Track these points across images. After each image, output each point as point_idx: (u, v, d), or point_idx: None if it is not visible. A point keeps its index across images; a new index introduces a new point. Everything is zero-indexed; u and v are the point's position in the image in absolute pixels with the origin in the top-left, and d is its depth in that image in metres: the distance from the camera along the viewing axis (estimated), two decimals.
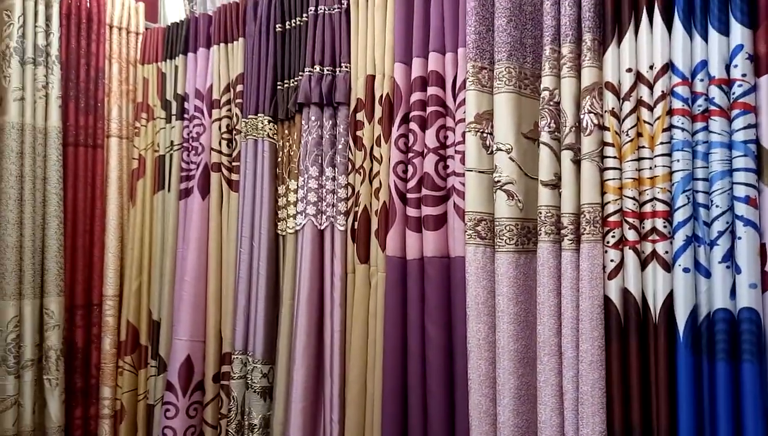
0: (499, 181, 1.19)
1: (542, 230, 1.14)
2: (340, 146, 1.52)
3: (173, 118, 1.95)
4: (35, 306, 1.83)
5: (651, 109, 1.05)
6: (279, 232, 1.65)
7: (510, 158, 1.19)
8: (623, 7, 1.09)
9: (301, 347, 1.49)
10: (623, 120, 1.07)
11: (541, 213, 1.15)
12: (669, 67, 1.03)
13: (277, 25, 1.69)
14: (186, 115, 1.91)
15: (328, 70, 1.55)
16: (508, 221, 1.19)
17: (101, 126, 2.03)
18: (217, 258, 1.76)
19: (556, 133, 1.15)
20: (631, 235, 1.05)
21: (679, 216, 0.99)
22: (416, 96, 1.36)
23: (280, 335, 1.57)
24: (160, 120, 1.99)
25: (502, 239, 1.19)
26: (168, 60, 2.00)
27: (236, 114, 1.79)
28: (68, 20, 1.97)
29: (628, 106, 1.07)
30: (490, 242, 1.22)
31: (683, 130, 1.01)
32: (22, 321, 1.81)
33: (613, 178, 1.08)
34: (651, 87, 1.05)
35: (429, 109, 1.34)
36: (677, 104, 1.02)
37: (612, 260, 1.07)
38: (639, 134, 1.06)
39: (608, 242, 1.08)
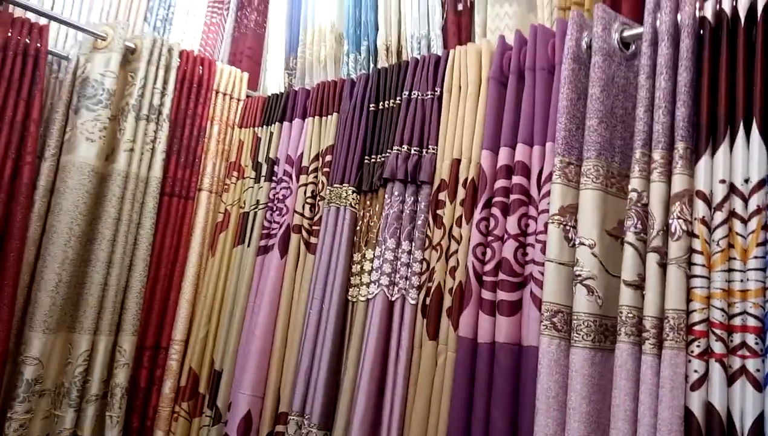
0: (579, 275, 1.20)
1: (622, 330, 1.13)
2: (419, 222, 1.57)
3: (262, 179, 2.09)
4: (109, 343, 1.92)
5: (745, 222, 1.05)
6: (350, 298, 1.69)
7: (593, 254, 1.20)
8: (719, 120, 1.11)
9: (360, 417, 1.49)
10: (714, 229, 1.08)
11: (621, 313, 1.14)
12: (765, 182, 1.04)
13: (370, 105, 1.82)
14: (274, 178, 2.05)
15: (415, 150, 1.64)
16: (586, 316, 1.18)
17: (195, 180, 2.19)
18: (286, 316, 1.82)
19: (642, 235, 1.16)
20: (717, 347, 1.03)
21: None
22: (501, 183, 1.42)
23: (339, 402, 1.58)
24: (250, 179, 2.14)
25: (579, 334, 1.18)
26: (264, 126, 2.17)
27: (322, 181, 1.90)
28: (182, 84, 2.19)
29: (719, 216, 1.07)
30: (566, 335, 1.22)
31: None
32: (94, 356, 1.89)
33: (701, 287, 1.07)
34: (745, 200, 1.05)
35: (512, 196, 1.38)
36: None
37: (696, 371, 1.04)
38: (730, 245, 1.06)
39: (692, 352, 1.05)
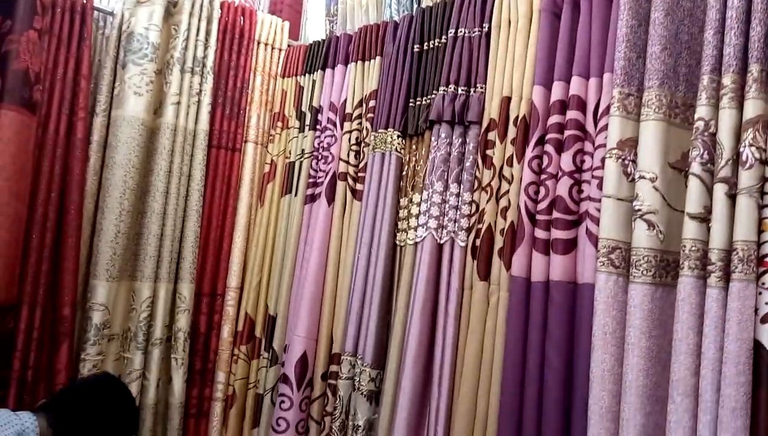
0: (639, 210, 1.16)
1: (685, 264, 1.09)
2: (467, 164, 1.55)
3: (306, 128, 2.09)
4: (169, 290, 2.01)
5: None
6: (398, 242, 1.70)
7: (654, 187, 1.16)
8: None
9: (412, 357, 1.52)
10: None
11: (685, 246, 1.10)
12: None
13: (415, 46, 1.77)
14: (318, 127, 2.04)
15: (462, 90, 1.60)
16: (646, 251, 1.15)
17: (241, 132, 2.21)
18: (336, 262, 1.85)
19: (709, 166, 1.10)
20: None
21: None
22: (554, 119, 1.37)
23: (391, 343, 1.61)
24: (294, 129, 2.14)
25: (639, 270, 1.15)
26: (307, 74, 2.15)
27: (366, 128, 1.88)
28: (224, 35, 2.18)
29: None
30: (624, 271, 1.19)
31: None
32: (156, 302, 1.98)
33: None
34: None
35: (567, 132, 1.33)
36: None
37: (767, 303, 1.00)
38: None
39: (763, 284, 1.01)
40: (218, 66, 2.17)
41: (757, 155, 1.04)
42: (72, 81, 1.92)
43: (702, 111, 1.12)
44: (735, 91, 1.08)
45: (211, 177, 2.13)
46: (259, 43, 2.27)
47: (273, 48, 2.31)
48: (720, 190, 1.06)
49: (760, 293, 1.01)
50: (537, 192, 1.37)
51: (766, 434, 0.97)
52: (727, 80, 1.08)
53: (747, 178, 1.04)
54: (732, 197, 1.06)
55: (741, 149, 1.05)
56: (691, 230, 1.10)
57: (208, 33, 2.12)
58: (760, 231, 1.03)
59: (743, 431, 0.98)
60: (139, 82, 1.98)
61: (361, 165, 1.88)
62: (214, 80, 2.14)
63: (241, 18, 2.22)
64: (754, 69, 1.05)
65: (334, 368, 1.74)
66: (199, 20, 2.09)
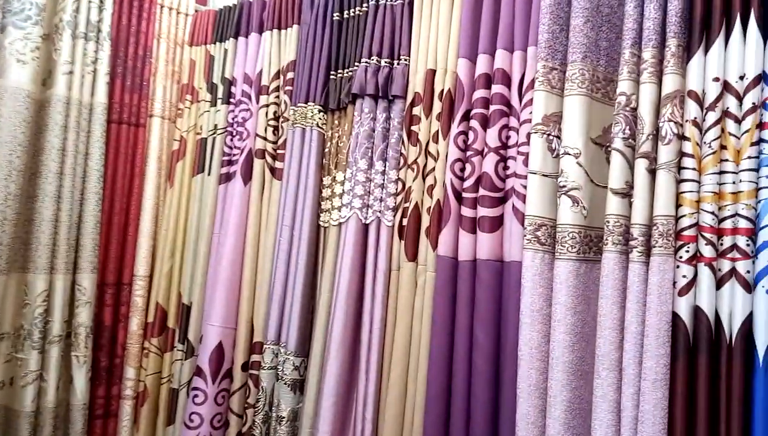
0: (564, 187, 1.15)
1: (609, 239, 1.10)
2: (392, 140, 1.49)
3: (219, 101, 1.93)
4: (67, 281, 1.81)
5: (739, 121, 1.00)
6: (321, 223, 1.62)
7: (578, 163, 1.15)
8: (714, 13, 1.04)
9: (337, 341, 1.46)
10: (706, 131, 1.03)
11: (608, 222, 1.10)
12: (762, 78, 0.99)
13: (334, 14, 1.67)
14: (232, 100, 1.89)
15: (385, 62, 1.52)
16: (571, 227, 1.15)
17: (145, 105, 2.01)
18: (254, 245, 1.74)
19: (630, 141, 1.11)
20: (707, 251, 1.01)
21: (765, 235, 0.95)
22: (479, 93, 1.33)
23: (315, 328, 1.54)
24: (205, 103, 1.98)
25: (564, 247, 1.14)
26: (218, 43, 1.99)
27: (285, 101, 1.77)
28: None
29: (712, 116, 1.02)
30: (550, 248, 1.18)
31: None
32: (52, 296, 1.78)
33: (691, 191, 1.03)
34: (740, 98, 1.00)
35: (492, 107, 1.30)
36: None
37: (684, 276, 1.02)
38: (723, 147, 1.02)
39: (681, 257, 1.03)
40: (116, 31, 1.95)
41: (675, 130, 1.05)
42: None
43: (623, 85, 1.12)
44: (654, 66, 1.08)
45: (112, 155, 1.93)
46: (162, 6, 2.07)
47: (179, 12, 2.11)
48: (641, 165, 1.07)
49: (678, 266, 1.03)
50: (463, 169, 1.33)
51: (683, 403, 1.00)
52: (647, 54, 1.08)
53: (666, 153, 1.05)
54: (652, 172, 1.07)
55: (660, 124, 1.06)
56: (614, 205, 1.10)
57: None
58: (678, 205, 1.05)
59: (663, 401, 1.01)
60: (23, 49, 1.74)
61: (280, 141, 1.77)
62: (111, 47, 1.92)
63: None
64: (671, 44, 1.06)
65: (255, 357, 1.65)
66: None
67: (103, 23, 1.90)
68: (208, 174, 1.90)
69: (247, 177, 1.78)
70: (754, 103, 0.99)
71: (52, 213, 1.78)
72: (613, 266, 1.09)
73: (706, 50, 1.05)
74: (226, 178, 1.84)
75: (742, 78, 1.01)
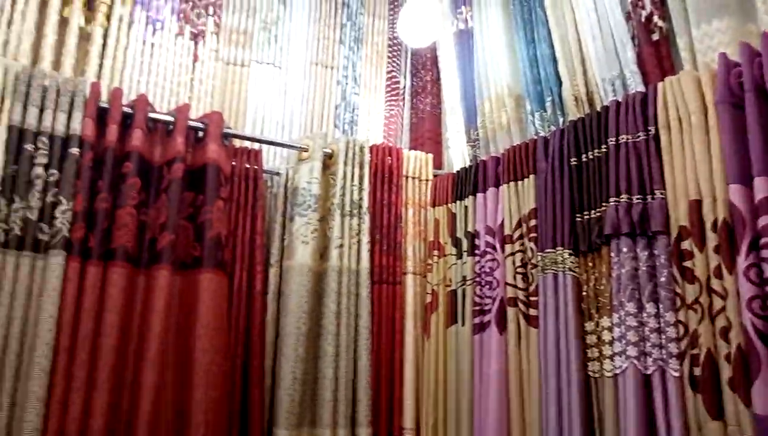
0: None
1: None
2: (662, 279, 1.38)
3: (464, 254, 2.06)
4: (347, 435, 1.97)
5: None
6: (590, 374, 1.52)
7: None
8: None
9: None
10: None
11: None
12: None
13: (571, 159, 1.70)
14: (477, 251, 2.00)
15: (637, 198, 1.48)
16: None
17: (399, 265, 2.24)
18: (518, 398, 1.70)
19: None
20: None
21: None
22: (765, 219, 1.18)
23: None
24: (451, 256, 2.12)
25: None
26: (458, 201, 2.16)
27: (530, 248, 1.80)
28: (375, 177, 2.30)
29: None
30: None
31: None
32: None
33: None
34: None
35: None
36: None
37: None
38: None
39: None
40: (373, 205, 2.27)
41: None
42: (249, 238, 2.12)
43: None
44: None
45: (376, 313, 2.15)
46: (407, 177, 2.36)
47: (420, 180, 2.38)
48: None
49: None
50: (764, 307, 1.15)
51: None
52: None
53: None
54: None
55: None
56: None
57: (361, 177, 2.25)
58: None
59: None
60: (305, 232, 2.13)
61: (531, 288, 1.77)
62: (370, 219, 2.23)
63: (389, 157, 2.35)
64: None
65: None
66: (353, 167, 2.23)
67: (363, 201, 2.23)
68: (462, 324, 1.97)
69: (502, 326, 1.80)
70: None
71: (332, 371, 2.00)
72: None
73: None
74: (480, 327, 1.89)
75: None
